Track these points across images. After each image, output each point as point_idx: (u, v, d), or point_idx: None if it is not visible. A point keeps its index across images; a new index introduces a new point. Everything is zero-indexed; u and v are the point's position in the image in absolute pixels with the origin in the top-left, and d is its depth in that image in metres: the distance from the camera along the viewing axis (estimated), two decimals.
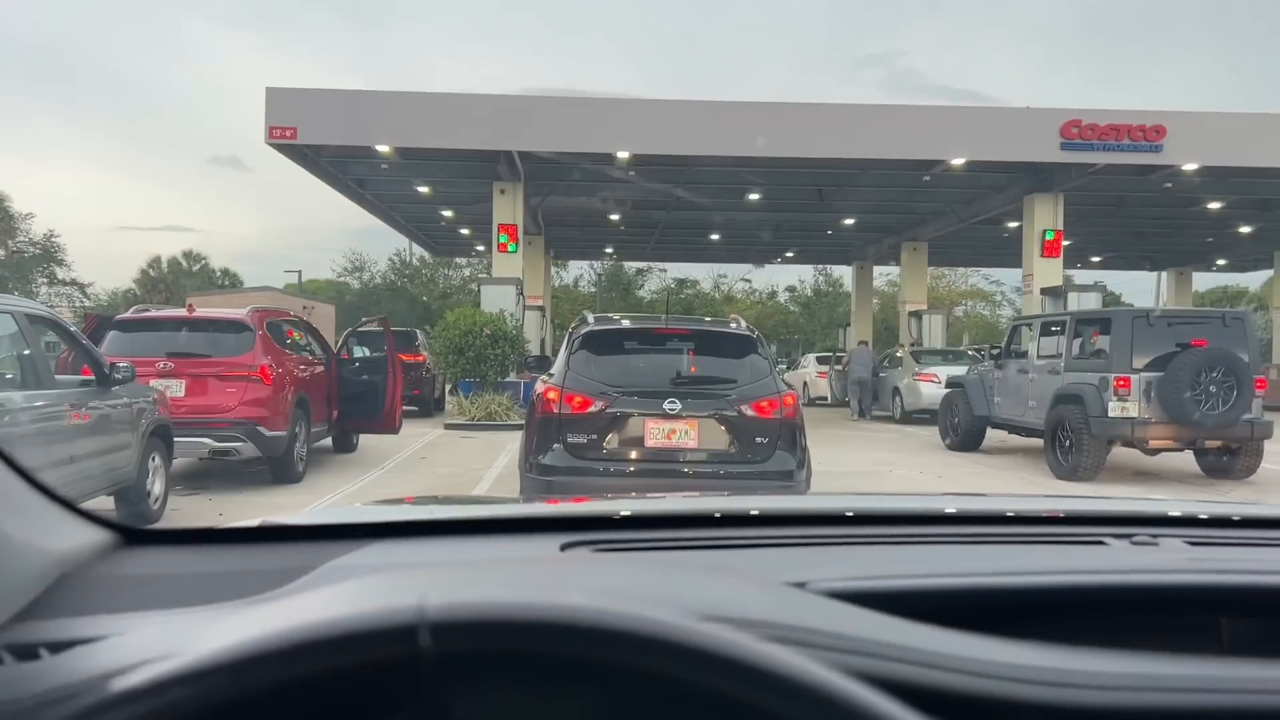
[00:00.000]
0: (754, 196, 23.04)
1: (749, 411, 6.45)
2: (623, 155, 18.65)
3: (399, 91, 18.10)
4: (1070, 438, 10.94)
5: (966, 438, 13.69)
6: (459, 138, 17.69)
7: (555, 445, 6.42)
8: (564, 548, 1.15)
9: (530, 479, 6.53)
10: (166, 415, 8.21)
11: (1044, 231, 19.94)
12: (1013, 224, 26.42)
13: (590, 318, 7.44)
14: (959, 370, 16.20)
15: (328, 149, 19.42)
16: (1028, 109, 18.54)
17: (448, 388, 18.11)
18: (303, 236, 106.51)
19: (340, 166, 21.09)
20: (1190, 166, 18.52)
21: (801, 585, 0.94)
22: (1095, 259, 34.68)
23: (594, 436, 6.41)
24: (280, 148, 17.90)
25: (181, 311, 10.22)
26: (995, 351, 13.63)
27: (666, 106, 18.36)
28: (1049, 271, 20.04)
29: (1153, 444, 10.78)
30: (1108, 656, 0.78)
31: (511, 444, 13.80)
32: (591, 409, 6.38)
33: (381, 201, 25.09)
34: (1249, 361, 10.44)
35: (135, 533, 1.15)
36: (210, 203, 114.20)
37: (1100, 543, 1.23)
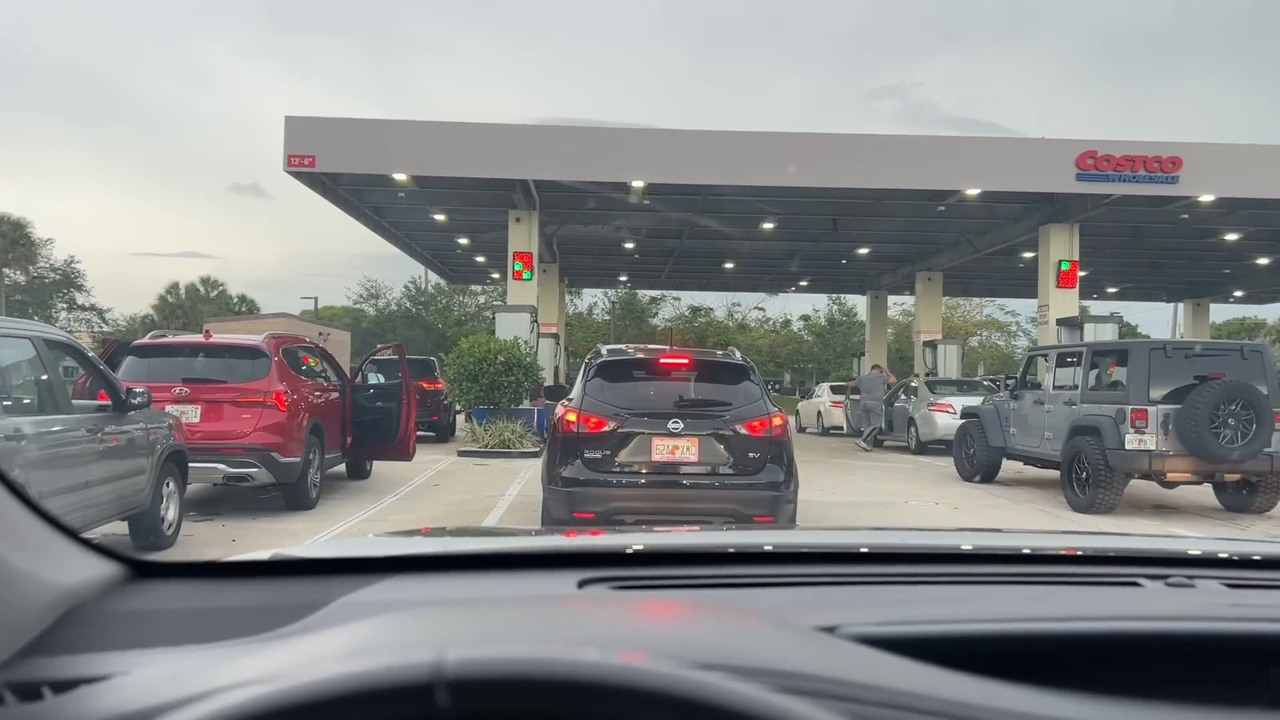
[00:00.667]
0: (768, 226, 23.10)
1: (742, 430, 7.22)
2: (637, 184, 18.73)
3: (416, 121, 18.27)
4: (1087, 470, 10.83)
5: (983, 469, 13.66)
6: (475, 166, 17.82)
7: (574, 460, 7.20)
8: (582, 584, 1.13)
9: (553, 490, 7.26)
10: (181, 441, 8.23)
11: (1059, 262, 19.89)
12: (1028, 254, 26.42)
13: (604, 349, 8.26)
14: (974, 400, 16.16)
15: (345, 177, 19.61)
16: (1043, 140, 18.55)
17: (459, 414, 18.09)
18: (319, 263, 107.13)
19: (357, 194, 21.27)
20: (1207, 198, 18.47)
21: (831, 630, 0.92)
22: (1111, 290, 34.58)
23: (608, 452, 7.17)
24: (299, 176, 18.07)
25: (198, 337, 10.28)
26: (1010, 382, 13.70)
27: (681, 136, 18.47)
28: (1065, 302, 19.97)
29: (1170, 477, 10.65)
30: (1155, 711, 0.75)
31: (525, 472, 13.82)
32: (605, 428, 7.18)
33: (398, 229, 25.27)
34: (1268, 394, 10.29)
35: (144, 565, 1.14)
36: (229, 230, 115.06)
37: (1134, 583, 1.20)
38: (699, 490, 7.16)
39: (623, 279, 36.62)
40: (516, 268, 19.44)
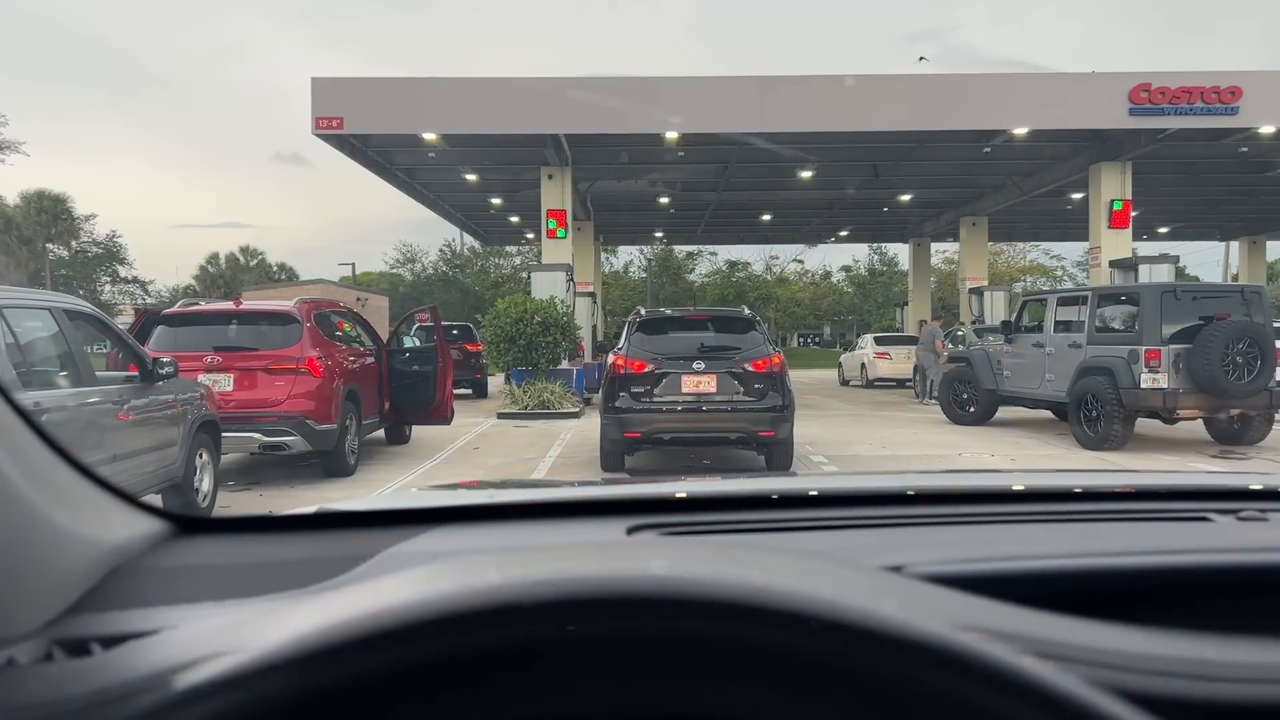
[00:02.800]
0: (807, 174, 22.50)
1: (749, 368, 9.17)
2: (671, 136, 18.25)
3: (444, 78, 17.89)
4: (1098, 409, 11.23)
5: (981, 412, 14.01)
6: (505, 122, 17.43)
7: (623, 394, 9.19)
8: (630, 531, 1.10)
9: (608, 417, 9.29)
10: (214, 410, 8.05)
11: (1111, 202, 19.15)
12: (1076, 195, 25.63)
13: (643, 310, 10.38)
14: None
15: (375, 139, 19.32)
16: (1094, 74, 17.74)
17: (490, 375, 17.80)
18: (358, 230, 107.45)
19: (388, 156, 20.98)
20: (1268, 129, 17.62)
21: (898, 569, 0.89)
22: (1162, 230, 33.46)
23: (649, 387, 9.18)
24: (327, 138, 17.80)
25: (229, 305, 10.08)
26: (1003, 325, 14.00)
27: (715, 84, 17.92)
28: (1117, 243, 19.26)
29: (1182, 413, 11.10)
30: (1246, 645, 0.73)
31: (566, 433, 13.60)
32: (646, 369, 9.20)
33: (430, 191, 24.98)
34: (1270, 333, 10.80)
35: (189, 521, 1.13)
36: (270, 199, 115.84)
37: (1205, 518, 1.16)
38: (718, 413, 9.09)
39: (658, 235, 36.07)
40: (550, 226, 19.09)
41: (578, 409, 15.91)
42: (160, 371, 7.03)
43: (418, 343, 12.23)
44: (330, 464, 9.73)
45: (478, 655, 0.52)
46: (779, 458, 9.41)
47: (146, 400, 6.85)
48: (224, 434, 8.51)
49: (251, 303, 10.31)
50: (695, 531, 1.12)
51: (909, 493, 1.35)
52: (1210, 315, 10.92)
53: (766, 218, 30.39)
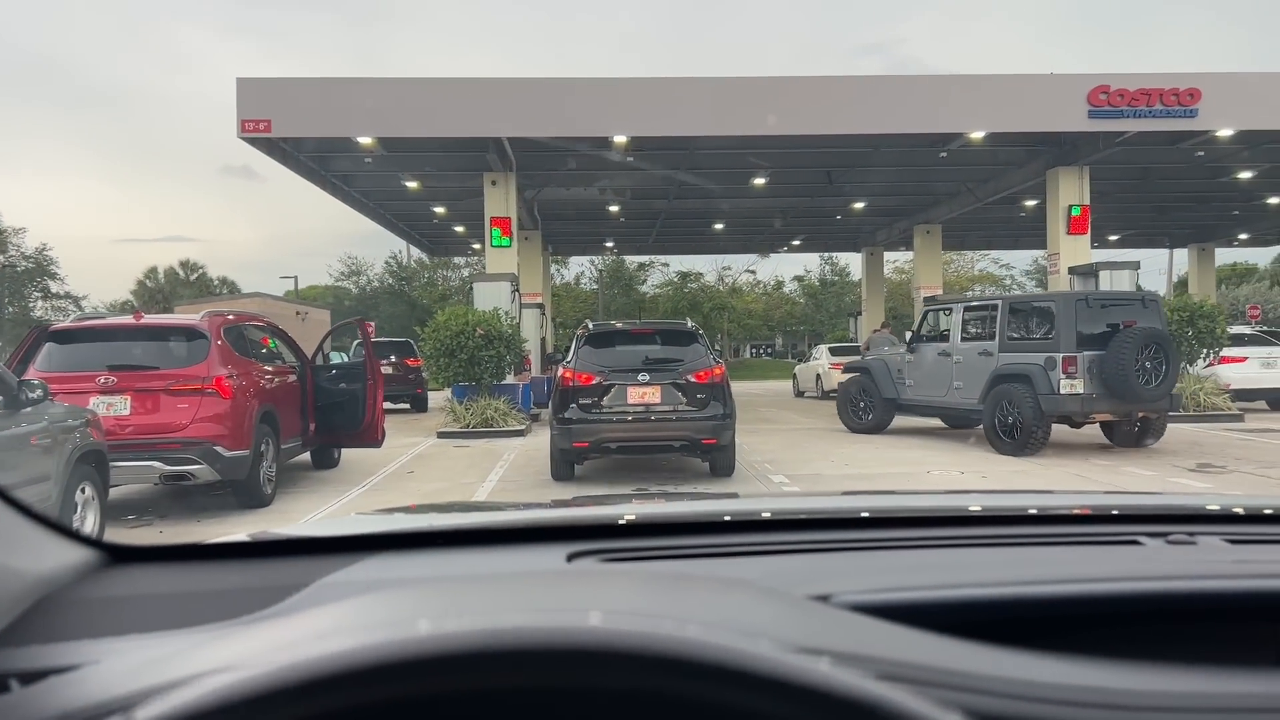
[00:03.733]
0: (759, 181, 21.90)
1: (692, 378, 9.49)
2: (619, 139, 17.51)
3: (379, 78, 16.95)
4: (1015, 415, 11.40)
5: (879, 420, 14.12)
6: (445, 125, 16.56)
7: (572, 405, 9.49)
8: (571, 558, 1.09)
9: (558, 427, 9.58)
10: (100, 439, 7.11)
11: (1070, 207, 18.77)
12: (1031, 202, 25.38)
13: (590, 324, 10.61)
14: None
15: (307, 143, 18.34)
16: (1052, 76, 17.33)
17: (434, 390, 16.87)
18: (306, 243, 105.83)
19: (322, 162, 19.98)
20: (1226, 132, 17.33)
21: (825, 599, 0.89)
22: (1113, 237, 33.44)
23: (596, 398, 9.49)
24: (255, 142, 16.79)
25: (127, 319, 9.10)
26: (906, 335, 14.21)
27: (664, 85, 17.21)
28: (1076, 249, 18.87)
29: (1096, 418, 11.51)
30: (1162, 673, 0.72)
31: (510, 453, 12.75)
32: (593, 381, 9.49)
33: (369, 199, 23.98)
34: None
35: (121, 550, 1.11)
36: (217, 213, 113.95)
37: (1135, 542, 1.16)
38: (663, 423, 9.42)
39: (609, 245, 35.31)
40: (494, 234, 18.23)
41: (523, 426, 15.06)
42: (27, 396, 6.09)
43: (345, 358, 11.26)
44: (243, 494, 8.79)
45: (390, 708, 0.51)
46: (722, 463, 9.93)
47: (10, 430, 5.91)
48: (119, 464, 7.61)
49: (153, 316, 9.33)
50: (634, 558, 1.11)
51: (858, 515, 1.37)
52: (1117, 323, 11.21)
53: (719, 227, 29.77)
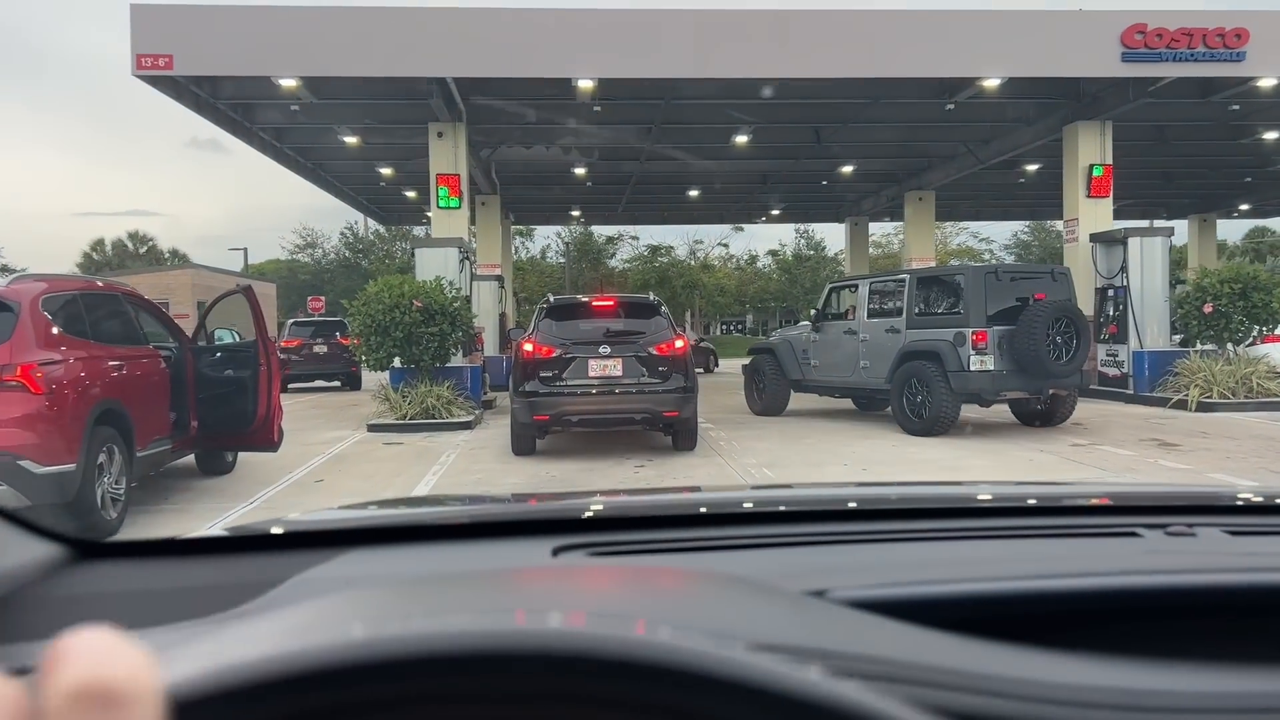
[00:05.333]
0: (741, 139, 19.61)
1: (653, 351, 9.47)
2: (585, 84, 15.19)
3: (300, 6, 14.43)
4: (924, 393, 11.00)
5: (772, 402, 13.57)
6: (379, 63, 14.15)
7: (532, 378, 9.39)
8: (557, 552, 1.05)
9: (518, 400, 9.54)
10: None
11: (1090, 167, 16.68)
12: (1032, 166, 23.44)
13: (552, 297, 10.57)
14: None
15: (224, 86, 15.86)
16: (1081, 12, 15.20)
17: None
18: (271, 219, 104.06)
19: (246, 112, 17.46)
20: (1270, 82, 15.31)
21: (821, 594, 0.87)
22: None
23: (557, 371, 9.39)
24: (154, 82, 14.32)
25: None
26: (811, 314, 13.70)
27: (639, 17, 14.85)
28: (1097, 214, 16.81)
29: (1006, 395, 11.08)
30: (1168, 671, 0.71)
31: (450, 452, 10.50)
32: (554, 354, 9.42)
33: (306, 158, 21.45)
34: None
35: (90, 546, 1.06)
36: (183, 187, 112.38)
37: (1133, 534, 1.13)
38: (625, 395, 9.34)
39: (575, 214, 32.88)
40: (441, 194, 15.87)
41: (471, 417, 12.78)
42: None
43: (237, 338, 8.93)
44: (72, 520, 6.49)
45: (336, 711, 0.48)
46: (684, 437, 9.83)
47: None
48: None
49: None
50: (622, 552, 1.07)
51: (847, 507, 1.35)
52: (1026, 296, 10.85)
53: (693, 194, 27.49)
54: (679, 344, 9.61)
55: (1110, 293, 15.89)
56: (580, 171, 23.27)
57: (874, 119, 18.72)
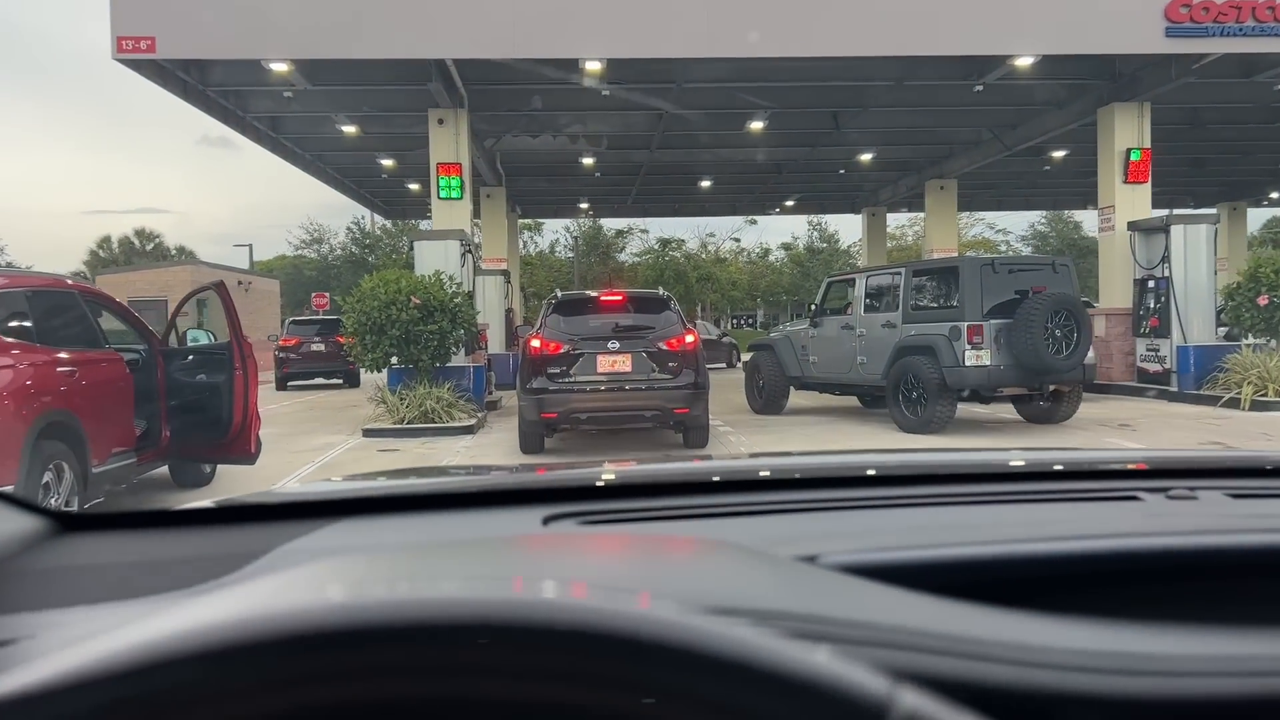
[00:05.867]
0: (756, 125, 18.73)
1: (663, 346, 9.39)
2: (593, 66, 14.35)
3: None
4: (919, 389, 10.73)
5: (771, 400, 13.21)
6: (374, 44, 13.33)
7: (539, 375, 9.28)
8: (547, 521, 1.04)
9: (525, 398, 9.37)
10: None
11: (1128, 151, 15.79)
12: (1058, 153, 22.53)
13: (559, 292, 10.42)
14: None
15: (213, 72, 15.10)
16: None
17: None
18: (280, 216, 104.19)
19: (238, 100, 16.70)
20: None
21: (812, 559, 0.86)
22: None
23: (565, 368, 9.29)
24: (139, 67, 13.55)
25: None
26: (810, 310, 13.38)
27: None
28: (1135, 201, 15.94)
29: (1005, 391, 10.79)
30: (1171, 635, 0.70)
31: (449, 460, 9.75)
32: (562, 350, 9.33)
33: (304, 149, 20.67)
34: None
35: (72, 518, 1.06)
36: (193, 184, 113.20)
37: (1134, 497, 1.11)
38: (634, 392, 9.15)
39: (583, 206, 32.00)
40: (442, 183, 15.06)
41: (473, 420, 11.99)
42: None
43: (213, 338, 8.15)
44: None
45: (298, 680, 0.47)
46: (695, 435, 9.58)
47: None
48: None
49: None
50: (614, 520, 1.06)
51: (833, 475, 1.33)
52: (1025, 289, 10.56)
53: (705, 184, 26.62)
54: (689, 339, 9.42)
55: (1150, 284, 15.00)
56: (588, 162, 22.44)
57: (896, 103, 17.83)
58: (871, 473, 1.32)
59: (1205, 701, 0.63)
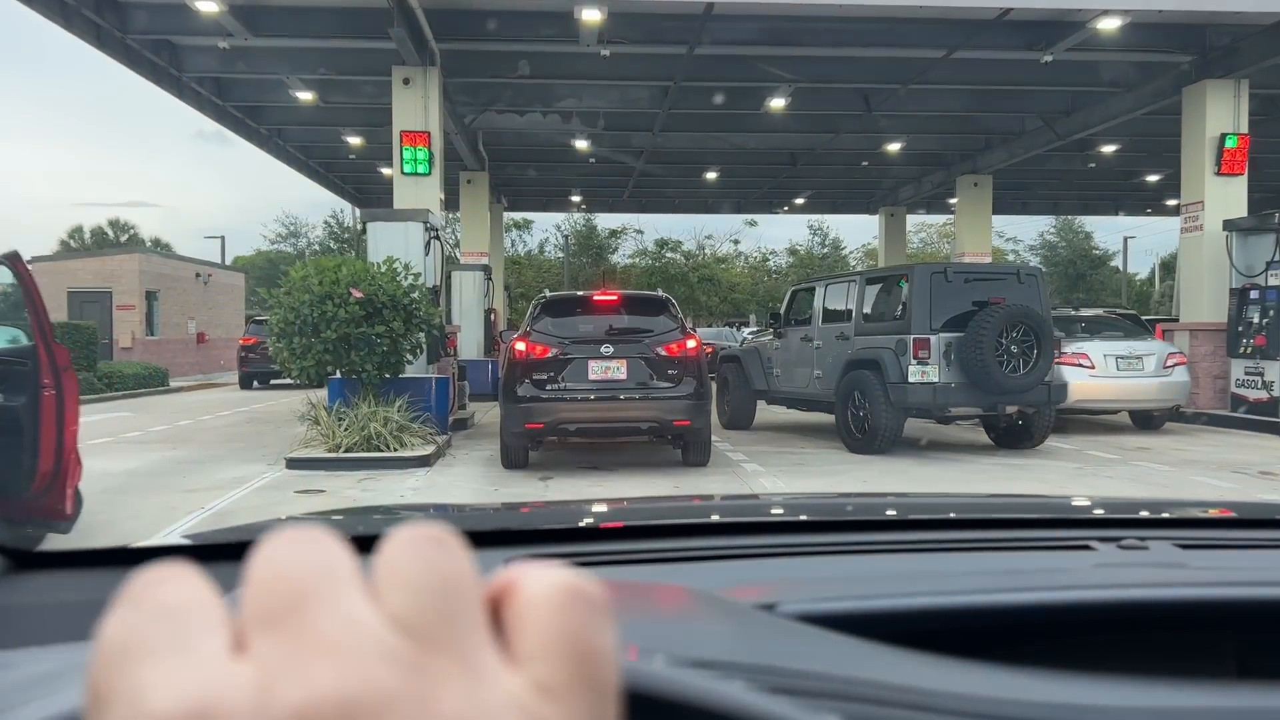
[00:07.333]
0: (777, 103, 16.24)
1: (661, 352, 8.68)
2: (591, 16, 11.85)
3: None
4: (865, 408, 10.10)
5: (737, 414, 12.57)
6: None
7: (525, 381, 8.51)
8: (508, 563, 0.88)
9: (509, 407, 8.60)
10: None
11: (1223, 137, 13.35)
12: (1109, 148, 20.13)
13: (548, 292, 9.78)
14: (1141, 345, 11.78)
15: (129, 14, 12.56)
16: None
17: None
18: (269, 213, 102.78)
19: (172, 56, 14.13)
20: None
21: (770, 608, 0.87)
22: (1171, 201, 28.14)
23: (553, 373, 8.55)
24: (39, 6, 11.01)
25: None
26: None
27: None
28: (1228, 197, 13.50)
29: (954, 411, 10.15)
30: (1121, 686, 0.70)
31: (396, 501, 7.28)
32: (550, 355, 8.58)
33: (256, 121, 18.07)
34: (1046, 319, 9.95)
35: (25, 556, 1.03)
36: (185, 179, 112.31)
37: (1086, 547, 1.13)
38: (629, 402, 8.54)
39: (575, 199, 29.43)
40: (405, 155, 12.54)
41: (430, 449, 9.42)
42: None
43: (24, 340, 5.55)
44: None
45: None
46: (695, 451, 8.99)
47: None
48: None
49: None
50: (580, 564, 0.99)
51: (795, 519, 1.35)
52: (985, 300, 9.88)
53: (710, 175, 24.14)
54: (690, 344, 8.79)
55: (1254, 295, 12.55)
56: (582, 145, 19.90)
57: (940, 80, 15.34)
58: (831, 519, 1.34)
59: None
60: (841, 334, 10.90)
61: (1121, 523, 1.27)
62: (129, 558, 1.05)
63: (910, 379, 9.69)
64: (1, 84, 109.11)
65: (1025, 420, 10.34)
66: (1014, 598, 0.93)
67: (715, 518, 1.38)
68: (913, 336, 9.74)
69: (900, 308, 10.16)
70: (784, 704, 0.49)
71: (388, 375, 9.77)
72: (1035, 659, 0.75)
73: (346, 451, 9.04)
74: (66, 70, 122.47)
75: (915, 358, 9.74)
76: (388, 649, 0.24)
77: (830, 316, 11.30)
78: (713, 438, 9.33)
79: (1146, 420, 12.20)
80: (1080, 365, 11.46)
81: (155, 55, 13.79)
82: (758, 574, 1.04)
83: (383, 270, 9.71)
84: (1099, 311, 14.30)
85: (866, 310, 10.69)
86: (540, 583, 0.28)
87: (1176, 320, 14.90)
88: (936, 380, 9.72)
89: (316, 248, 51.25)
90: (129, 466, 9.27)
